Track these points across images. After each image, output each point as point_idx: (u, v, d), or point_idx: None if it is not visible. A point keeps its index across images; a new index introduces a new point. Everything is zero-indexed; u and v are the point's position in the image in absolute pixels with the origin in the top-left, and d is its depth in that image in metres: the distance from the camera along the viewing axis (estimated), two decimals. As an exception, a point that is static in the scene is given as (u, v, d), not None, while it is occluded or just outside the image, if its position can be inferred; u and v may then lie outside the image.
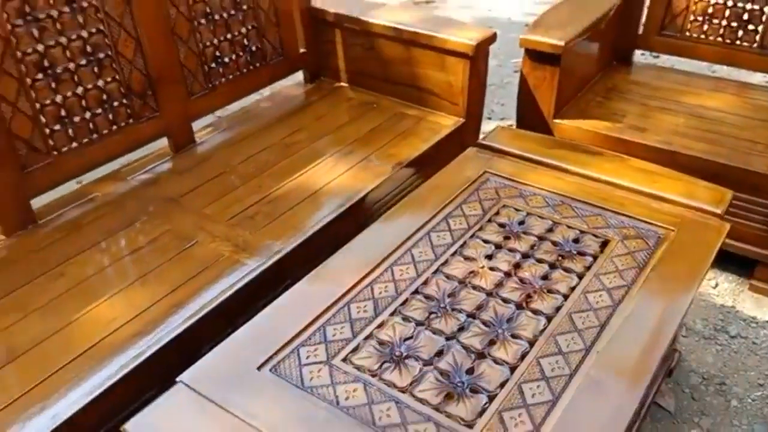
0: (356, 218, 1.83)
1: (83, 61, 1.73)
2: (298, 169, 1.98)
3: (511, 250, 1.45)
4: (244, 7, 2.15)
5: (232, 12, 2.11)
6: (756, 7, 2.34)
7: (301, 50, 2.42)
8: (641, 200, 1.60)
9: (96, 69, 1.76)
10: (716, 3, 2.41)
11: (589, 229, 1.51)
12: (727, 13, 2.40)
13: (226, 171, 1.97)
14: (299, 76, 2.50)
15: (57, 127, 1.71)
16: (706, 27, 2.45)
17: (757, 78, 2.99)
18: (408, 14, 2.37)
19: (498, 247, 1.46)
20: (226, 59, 2.14)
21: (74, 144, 1.76)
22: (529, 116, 2.29)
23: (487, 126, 2.71)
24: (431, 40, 2.17)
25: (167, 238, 1.68)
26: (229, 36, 2.12)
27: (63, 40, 1.67)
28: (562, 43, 2.09)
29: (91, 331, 1.39)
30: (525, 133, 1.94)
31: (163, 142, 2.05)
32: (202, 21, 2.03)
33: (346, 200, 1.82)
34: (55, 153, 1.72)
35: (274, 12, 2.26)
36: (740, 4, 2.36)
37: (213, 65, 2.10)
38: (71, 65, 1.70)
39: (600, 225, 1.53)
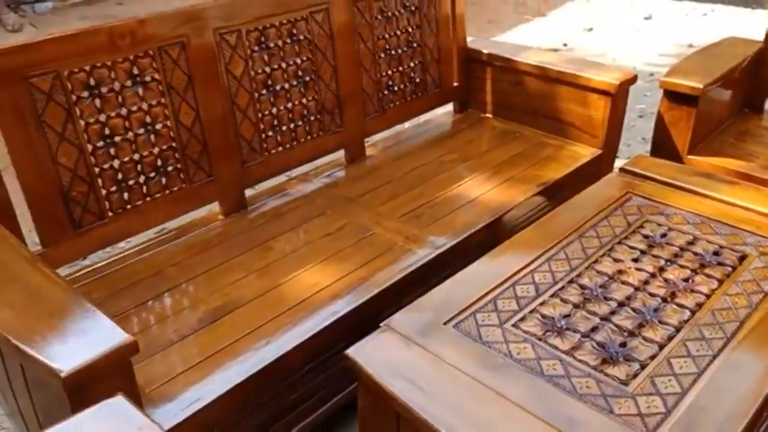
0: (503, 227, 2.08)
1: (294, 82, 2.12)
2: (453, 182, 2.26)
3: (655, 257, 1.65)
4: (414, 45, 2.51)
5: (405, 49, 2.48)
6: None
7: (455, 84, 2.74)
8: (778, 224, 1.74)
9: (302, 89, 2.15)
10: None
11: (727, 245, 1.68)
12: None
13: (393, 180, 2.29)
14: (449, 106, 2.83)
15: (270, 133, 2.11)
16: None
17: None
18: (552, 56, 2.64)
19: (643, 252, 1.66)
20: (396, 88, 2.49)
21: (280, 148, 2.15)
22: (664, 151, 2.46)
23: (617, 163, 2.89)
24: (577, 78, 2.43)
25: (350, 228, 2.00)
26: (399, 69, 2.48)
27: (284, 64, 2.07)
28: (701, 86, 2.27)
29: (299, 290, 1.72)
30: (664, 162, 2.13)
31: (339, 154, 2.41)
32: (382, 55, 2.40)
33: (496, 210, 2.08)
34: (266, 153, 2.11)
35: (437, 50, 2.61)
36: None
37: (385, 92, 2.46)
38: (286, 85, 2.10)
39: (738, 242, 1.69)
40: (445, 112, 2.85)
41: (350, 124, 2.34)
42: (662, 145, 2.47)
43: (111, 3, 5.98)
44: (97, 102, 1.69)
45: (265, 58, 2.03)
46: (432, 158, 2.45)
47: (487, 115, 2.79)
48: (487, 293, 1.53)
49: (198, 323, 1.62)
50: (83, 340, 1.15)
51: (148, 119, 1.80)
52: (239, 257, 1.88)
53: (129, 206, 1.82)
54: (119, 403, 0.94)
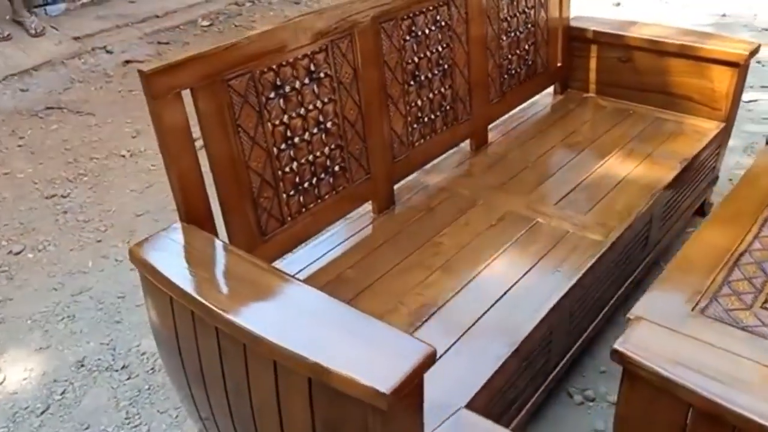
0: (659, 205, 2.07)
1: (436, 71, 2.06)
2: (590, 164, 2.23)
3: None
4: (530, 25, 2.46)
5: (521, 30, 2.43)
6: None
7: (558, 64, 2.71)
8: None
9: (442, 78, 2.10)
10: None
11: None
12: None
13: (528, 166, 2.26)
14: (550, 88, 2.79)
15: (415, 125, 2.05)
16: None
17: None
18: (660, 29, 2.61)
19: None
20: (513, 71, 2.45)
21: (422, 141, 2.09)
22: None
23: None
24: (698, 50, 2.40)
25: (510, 218, 1.96)
26: (517, 51, 2.43)
27: (428, 53, 2.02)
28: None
29: (495, 285, 1.68)
30: None
31: (461, 145, 2.36)
32: (503, 38, 2.35)
33: (651, 189, 2.06)
34: (412, 147, 2.06)
35: (546, 30, 2.56)
36: None
37: (505, 76, 2.41)
38: (430, 74, 2.04)
39: None
40: (545, 93, 2.81)
41: (477, 111, 2.30)
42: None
43: (123, 1, 5.80)
44: (281, 102, 1.62)
45: (414, 47, 1.96)
46: (556, 141, 2.41)
47: (590, 94, 2.76)
48: (714, 276, 1.50)
49: (409, 327, 1.57)
50: (383, 354, 1.10)
51: (321, 118, 1.73)
52: (413, 255, 1.82)
53: (304, 209, 1.76)
54: (467, 415, 0.89)
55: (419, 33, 1.97)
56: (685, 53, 2.44)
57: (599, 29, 2.64)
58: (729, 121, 2.46)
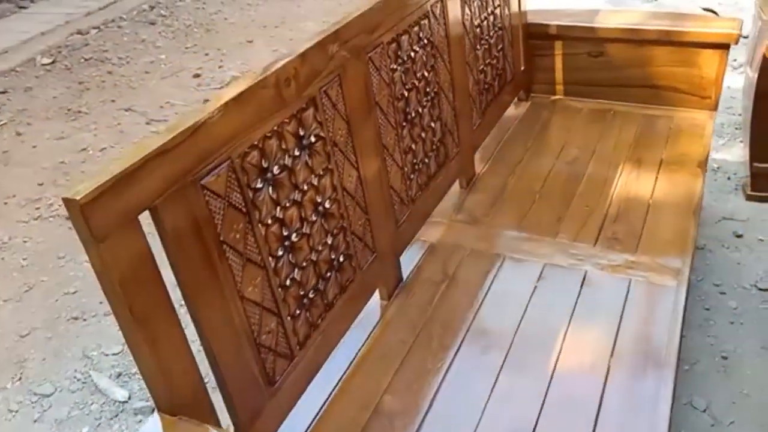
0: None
1: (425, 101, 1.64)
2: (604, 185, 1.91)
3: None
4: (498, 27, 2.11)
5: (492, 34, 2.06)
6: None
7: (522, 68, 2.38)
8: None
9: (431, 109, 1.68)
10: None
11: None
12: None
13: (536, 199, 1.89)
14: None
15: (412, 175, 1.62)
16: None
17: None
18: (631, 15, 2.36)
19: None
20: (488, 86, 2.08)
21: (420, 192, 1.66)
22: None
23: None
24: (683, 35, 2.17)
25: (553, 274, 1.59)
26: (490, 60, 2.07)
27: (416, 81, 1.59)
28: (823, 19, 2.12)
29: (585, 388, 1.29)
30: None
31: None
32: (478, 47, 1.97)
33: (688, 205, 1.78)
34: (412, 203, 1.62)
35: (510, 31, 2.22)
36: None
37: (483, 93, 2.04)
38: (419, 108, 1.62)
39: None
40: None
41: (465, 140, 1.90)
42: (770, 93, 2.31)
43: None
44: (271, 191, 1.12)
45: (403, 77, 1.53)
46: (551, 161, 2.07)
47: (558, 96, 2.46)
48: None
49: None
50: None
51: (318, 198, 1.25)
52: (458, 357, 1.40)
53: (313, 329, 1.26)
54: None
55: (405, 57, 1.53)
56: (667, 39, 2.20)
57: (563, 23, 2.34)
58: (717, 108, 2.26)
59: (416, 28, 1.56)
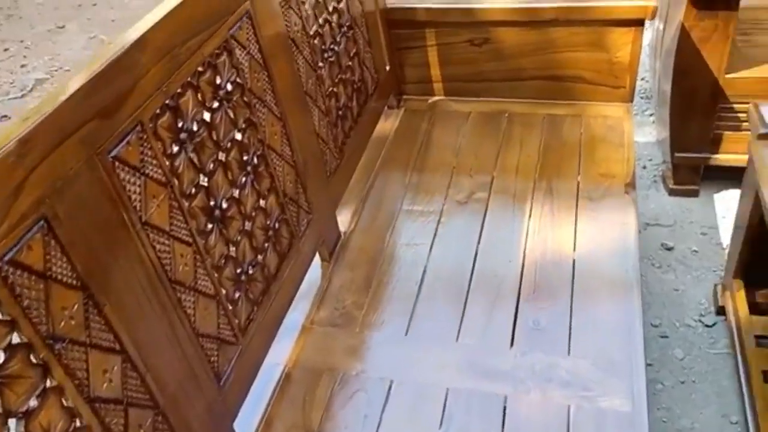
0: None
1: (244, 179, 1.08)
2: (513, 238, 1.47)
3: None
4: (345, 27, 1.55)
5: (338, 39, 1.50)
6: None
7: (387, 68, 1.85)
8: None
9: (255, 183, 1.12)
10: None
11: None
12: None
13: (427, 268, 1.41)
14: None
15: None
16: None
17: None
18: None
19: None
20: (344, 110, 1.53)
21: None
22: (693, 77, 1.92)
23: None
24: (587, 12, 1.73)
25: (459, 404, 1.12)
26: (340, 75, 1.52)
27: (221, 155, 1.02)
28: (749, -22, 1.73)
29: None
30: None
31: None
32: (321, 64, 1.41)
33: (625, 258, 1.36)
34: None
35: (365, 25, 1.67)
36: None
37: (338, 124, 1.49)
38: (236, 192, 1.06)
39: None
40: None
41: (318, 202, 1.36)
42: (690, 71, 1.92)
43: None
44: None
45: (197, 160, 0.96)
46: (437, 201, 1.59)
47: (438, 97, 1.97)
48: None
49: None
50: None
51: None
52: None
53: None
54: None
55: (194, 127, 0.96)
56: (567, 18, 1.75)
57: (434, 5, 1.82)
58: (633, 100, 1.85)
59: (210, 72, 0.97)
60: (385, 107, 1.90)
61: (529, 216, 1.51)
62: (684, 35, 1.86)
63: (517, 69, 1.86)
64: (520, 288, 1.33)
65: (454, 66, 1.90)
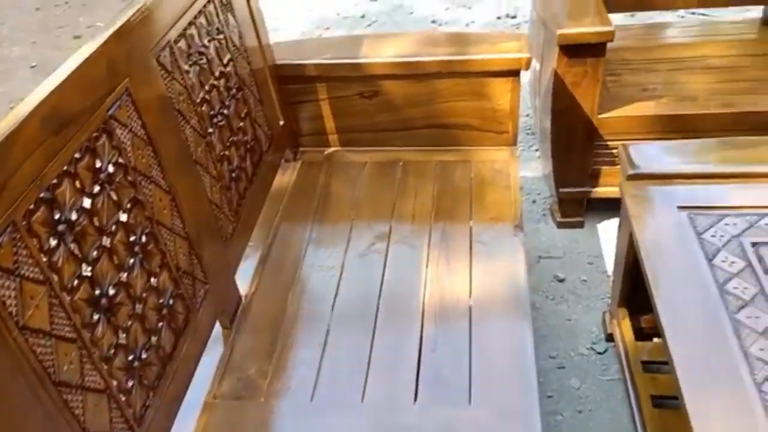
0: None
1: (131, 262, 1.05)
2: (408, 295, 1.49)
3: None
4: (233, 88, 1.55)
5: (227, 101, 1.50)
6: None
7: (281, 123, 1.87)
8: None
9: (145, 262, 1.09)
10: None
11: None
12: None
13: (332, 325, 1.42)
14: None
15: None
16: (666, -24, 2.45)
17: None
18: (406, 42, 1.94)
19: None
20: (238, 172, 1.53)
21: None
22: (569, 119, 2.06)
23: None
24: (467, 65, 1.81)
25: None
26: (232, 138, 1.52)
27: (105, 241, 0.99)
28: (611, 29, 1.89)
29: None
30: (664, 144, 1.70)
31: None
32: (210, 129, 1.40)
33: (517, 298, 1.43)
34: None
35: (254, 83, 1.68)
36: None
37: (232, 187, 1.48)
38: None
39: None
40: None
41: (215, 269, 1.34)
42: (567, 113, 2.06)
43: None
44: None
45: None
46: (338, 258, 1.61)
47: (333, 148, 2.00)
48: None
49: None
50: None
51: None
52: None
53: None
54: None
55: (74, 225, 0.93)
56: (450, 71, 1.83)
57: (323, 60, 1.86)
58: (516, 143, 1.96)
59: (86, 161, 0.95)
60: (282, 160, 1.91)
61: (426, 265, 1.55)
62: (558, 80, 2.00)
63: (408, 119, 1.92)
64: (421, 340, 1.36)
65: (347, 117, 1.94)
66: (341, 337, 1.39)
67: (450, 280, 1.51)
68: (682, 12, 3.25)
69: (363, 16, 4.05)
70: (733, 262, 1.30)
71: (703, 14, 3.15)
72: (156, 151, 1.13)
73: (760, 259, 1.29)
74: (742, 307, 1.20)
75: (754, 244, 1.33)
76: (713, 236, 1.36)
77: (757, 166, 1.54)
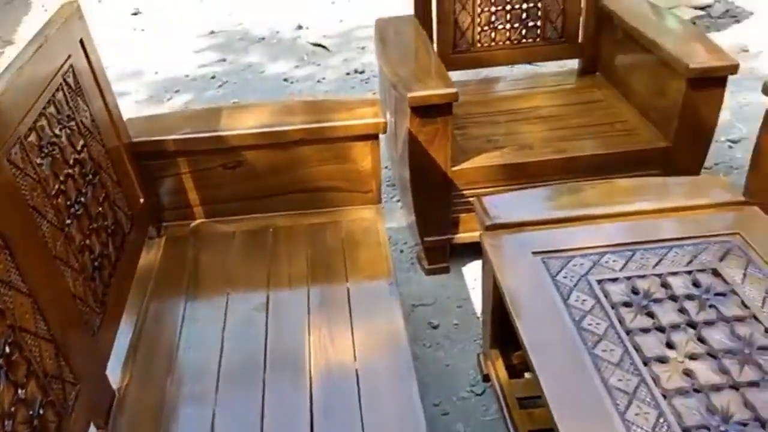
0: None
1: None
2: (291, 368, 1.50)
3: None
4: (91, 176, 1.49)
5: (84, 190, 1.44)
6: (531, 4, 2.66)
7: (140, 201, 1.82)
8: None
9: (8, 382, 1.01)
10: (496, 10, 2.65)
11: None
12: (508, 17, 2.67)
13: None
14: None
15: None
16: (494, 35, 2.69)
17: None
18: (264, 111, 1.97)
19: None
20: (99, 260, 1.46)
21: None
22: (426, 171, 2.19)
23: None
24: (327, 132, 1.88)
25: None
26: (93, 225, 1.45)
27: None
28: (455, 91, 2.05)
29: None
30: (514, 194, 1.85)
31: None
32: (69, 221, 1.34)
33: (406, 371, 1.48)
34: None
35: (112, 168, 1.63)
36: (517, 6, 2.65)
37: (95, 277, 1.41)
38: None
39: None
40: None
41: (84, 367, 1.27)
42: (423, 168, 2.19)
43: None
44: None
45: None
46: (216, 336, 1.57)
47: (200, 220, 1.97)
48: None
49: None
50: None
51: None
52: None
53: None
54: None
55: None
56: (311, 138, 1.88)
57: (181, 135, 1.84)
58: (381, 201, 2.04)
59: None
60: (146, 238, 1.85)
61: (309, 332, 1.57)
62: (413, 139, 2.13)
63: (275, 186, 1.94)
64: (311, 414, 1.36)
65: (211, 189, 1.92)
66: (228, 414, 1.36)
67: (334, 347, 1.52)
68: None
69: (213, 77, 4.04)
70: (584, 300, 1.44)
71: (529, 65, 3.48)
72: (13, 255, 1.06)
73: (606, 295, 1.45)
74: (598, 342, 1.33)
75: (599, 282, 1.49)
76: (565, 277, 1.51)
77: (590, 209, 1.73)
